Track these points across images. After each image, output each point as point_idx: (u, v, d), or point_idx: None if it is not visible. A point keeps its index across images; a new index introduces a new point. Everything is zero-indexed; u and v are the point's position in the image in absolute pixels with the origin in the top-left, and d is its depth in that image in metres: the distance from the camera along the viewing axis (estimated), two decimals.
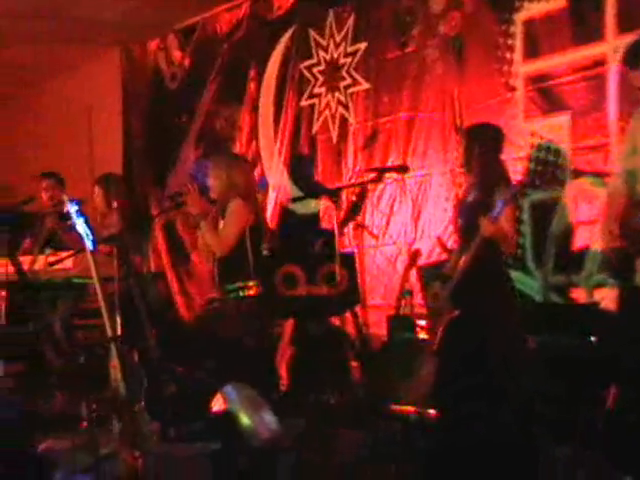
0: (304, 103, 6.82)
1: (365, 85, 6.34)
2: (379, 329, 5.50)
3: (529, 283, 5.06)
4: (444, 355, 4.27)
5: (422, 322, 4.90)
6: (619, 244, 3.66)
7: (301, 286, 5.59)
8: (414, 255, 5.45)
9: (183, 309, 7.66)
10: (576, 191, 4.95)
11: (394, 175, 5.91)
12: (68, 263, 5.56)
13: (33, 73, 9.23)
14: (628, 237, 3.63)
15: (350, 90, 6.45)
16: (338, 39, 6.55)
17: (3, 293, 6.14)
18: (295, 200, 6.68)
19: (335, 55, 6.58)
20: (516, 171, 5.02)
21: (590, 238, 4.83)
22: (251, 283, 4.74)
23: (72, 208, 4.35)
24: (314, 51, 6.75)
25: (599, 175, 4.80)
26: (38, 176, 6.54)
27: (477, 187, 4.29)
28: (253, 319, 4.74)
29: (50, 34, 7.84)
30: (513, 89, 5.31)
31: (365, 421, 4.67)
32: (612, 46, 4.79)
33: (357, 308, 5.52)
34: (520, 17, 5.28)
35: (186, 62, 7.94)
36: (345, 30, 6.49)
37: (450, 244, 5.37)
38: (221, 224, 4.89)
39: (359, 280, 5.43)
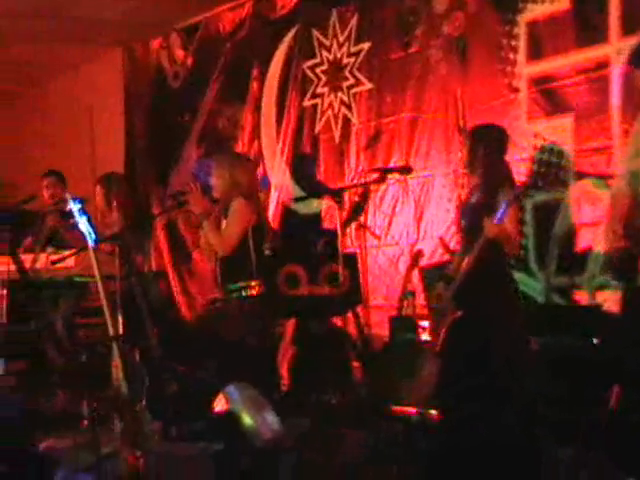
0: (307, 103, 6.81)
1: (368, 85, 6.34)
2: (381, 330, 5.49)
3: (531, 284, 5.06)
4: (447, 356, 4.26)
5: (424, 323, 4.90)
6: (623, 245, 3.66)
7: (303, 286, 5.58)
8: (416, 256, 5.46)
9: (184, 308, 7.66)
10: (579, 193, 4.95)
11: (396, 176, 5.90)
12: (70, 262, 5.54)
13: (36, 72, 9.23)
14: (632, 238, 3.63)
15: (353, 90, 6.44)
16: (341, 39, 6.55)
17: (4, 291, 6.12)
18: (298, 200, 6.67)
19: (338, 55, 6.57)
20: (519, 172, 5.01)
21: (593, 240, 4.82)
22: (253, 283, 4.74)
23: (75, 207, 4.35)
24: (317, 51, 6.74)
25: (602, 177, 4.80)
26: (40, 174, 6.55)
27: (481, 188, 4.29)
28: (255, 319, 4.74)
29: (52, 33, 7.84)
30: (516, 90, 5.30)
31: (367, 421, 4.66)
32: (615, 48, 4.79)
33: (359, 308, 5.51)
34: (524, 18, 5.27)
35: (189, 61, 7.94)
36: (348, 30, 6.48)
37: (452, 245, 5.37)
38: (223, 223, 4.89)
39: (361, 280, 5.43)
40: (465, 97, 5.63)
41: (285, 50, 6.99)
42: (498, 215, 4.04)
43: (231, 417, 3.89)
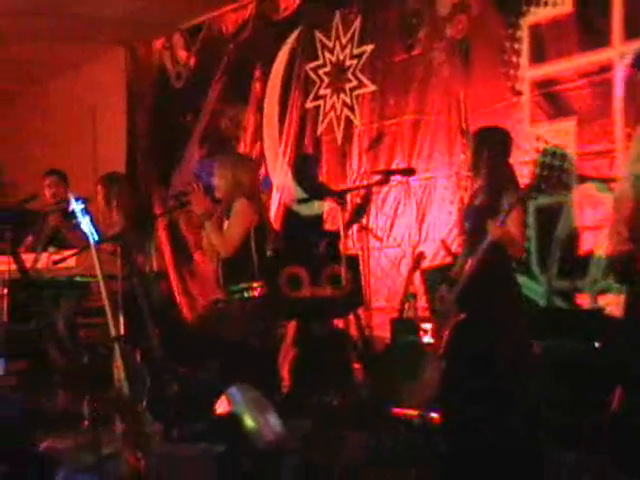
0: (309, 104, 6.81)
1: (371, 87, 6.34)
2: (382, 331, 5.49)
3: (533, 288, 5.05)
4: (451, 358, 4.25)
5: (426, 325, 4.90)
6: (627, 248, 3.66)
7: (305, 287, 5.59)
8: (418, 258, 5.46)
9: (185, 309, 7.65)
10: (581, 196, 4.95)
11: (399, 177, 5.90)
12: (71, 261, 5.54)
13: (38, 71, 9.23)
14: (637, 241, 3.63)
15: (356, 92, 6.44)
16: (344, 41, 6.55)
17: (5, 291, 6.12)
18: (301, 201, 6.67)
19: (341, 57, 6.57)
20: (522, 175, 5.00)
21: (595, 243, 4.83)
22: (255, 284, 4.73)
23: (77, 206, 4.35)
24: (320, 52, 6.74)
25: (605, 180, 4.80)
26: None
27: (485, 190, 4.28)
28: (257, 320, 4.73)
29: (53, 32, 7.83)
30: (519, 93, 5.30)
31: (368, 423, 4.66)
32: (618, 52, 4.79)
33: (360, 310, 5.51)
34: (527, 21, 5.27)
35: (191, 61, 7.94)
36: (351, 32, 6.49)
37: (454, 247, 5.37)
38: (225, 224, 4.88)
39: (363, 282, 5.43)
40: (468, 100, 5.63)
41: (288, 51, 7.00)
42: (502, 217, 4.04)
43: (233, 419, 3.88)
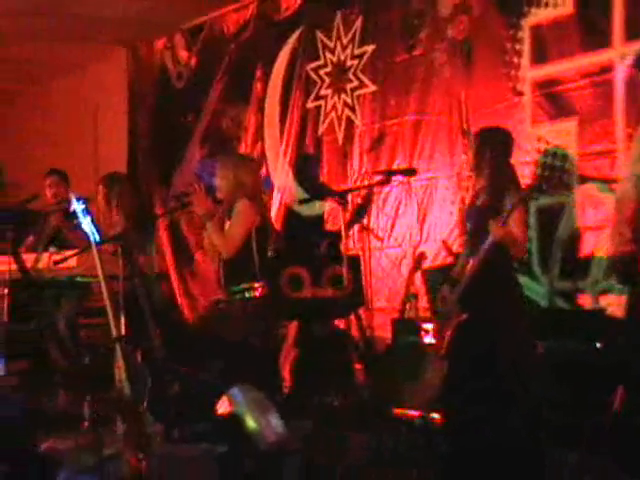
0: (310, 104, 6.81)
1: (372, 87, 6.34)
2: (383, 332, 5.49)
3: (535, 288, 5.05)
4: (453, 359, 4.25)
5: (427, 325, 4.90)
6: (629, 249, 3.66)
7: (306, 288, 5.58)
8: (419, 258, 5.46)
9: (186, 310, 7.65)
10: (583, 196, 4.95)
11: (400, 178, 5.90)
12: (72, 262, 5.54)
13: (39, 71, 9.23)
14: (639, 242, 3.63)
15: (357, 92, 6.44)
16: (345, 41, 6.55)
17: (6, 290, 6.12)
18: (302, 202, 6.67)
19: (342, 57, 6.57)
20: (523, 176, 5.00)
21: (596, 244, 4.82)
22: (257, 284, 4.73)
23: (78, 206, 4.35)
24: (321, 52, 6.74)
25: (606, 181, 4.80)
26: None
27: (487, 191, 4.27)
28: (259, 320, 4.73)
29: (55, 32, 7.83)
30: (520, 94, 5.31)
31: (369, 424, 4.65)
32: (619, 52, 4.80)
33: (361, 311, 5.51)
34: (528, 22, 5.28)
35: (193, 62, 7.94)
36: (352, 32, 6.49)
37: (455, 248, 5.37)
38: (227, 224, 4.88)
39: (364, 283, 5.43)
40: (469, 100, 5.63)
41: (289, 51, 7.00)
42: (504, 217, 4.04)
43: (235, 419, 3.88)
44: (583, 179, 4.95)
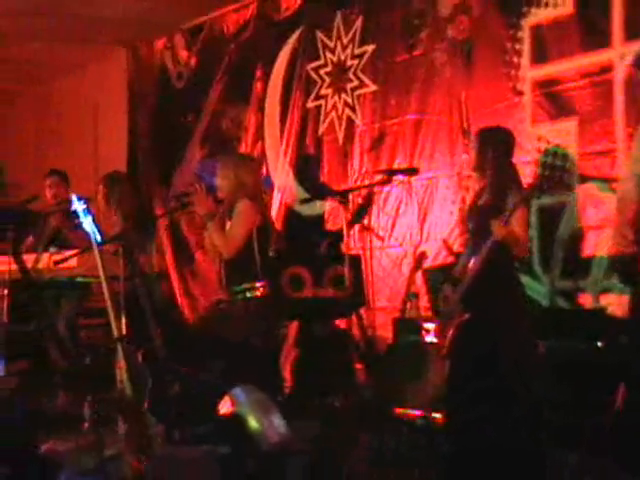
0: (310, 104, 6.81)
1: (372, 87, 6.34)
2: (384, 331, 5.49)
3: (536, 288, 5.05)
4: (455, 358, 4.24)
5: (429, 325, 4.90)
6: (631, 250, 3.65)
7: (307, 288, 5.58)
8: (420, 257, 5.46)
9: (187, 310, 7.65)
10: (583, 196, 4.95)
11: (401, 177, 5.90)
12: (72, 262, 5.54)
13: (39, 71, 9.23)
14: None
15: (357, 92, 6.44)
16: (345, 41, 6.55)
17: (6, 291, 6.11)
18: (302, 202, 6.67)
19: (342, 57, 6.57)
20: (524, 175, 4.99)
21: (597, 243, 4.83)
22: (258, 284, 4.72)
23: (79, 206, 4.35)
24: (321, 52, 6.74)
25: (606, 180, 4.80)
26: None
27: (489, 190, 4.26)
28: (260, 320, 4.72)
29: (55, 32, 7.83)
30: (521, 93, 5.31)
31: (371, 424, 4.65)
32: (619, 52, 4.81)
33: (362, 310, 5.51)
34: (528, 22, 5.29)
35: (193, 61, 7.93)
36: (353, 32, 6.48)
37: (456, 247, 5.37)
38: (228, 224, 4.87)
39: (365, 282, 5.42)
40: (469, 100, 5.64)
41: (289, 51, 6.99)
42: (506, 217, 4.04)
43: (237, 420, 3.87)
44: (583, 178, 4.95)
